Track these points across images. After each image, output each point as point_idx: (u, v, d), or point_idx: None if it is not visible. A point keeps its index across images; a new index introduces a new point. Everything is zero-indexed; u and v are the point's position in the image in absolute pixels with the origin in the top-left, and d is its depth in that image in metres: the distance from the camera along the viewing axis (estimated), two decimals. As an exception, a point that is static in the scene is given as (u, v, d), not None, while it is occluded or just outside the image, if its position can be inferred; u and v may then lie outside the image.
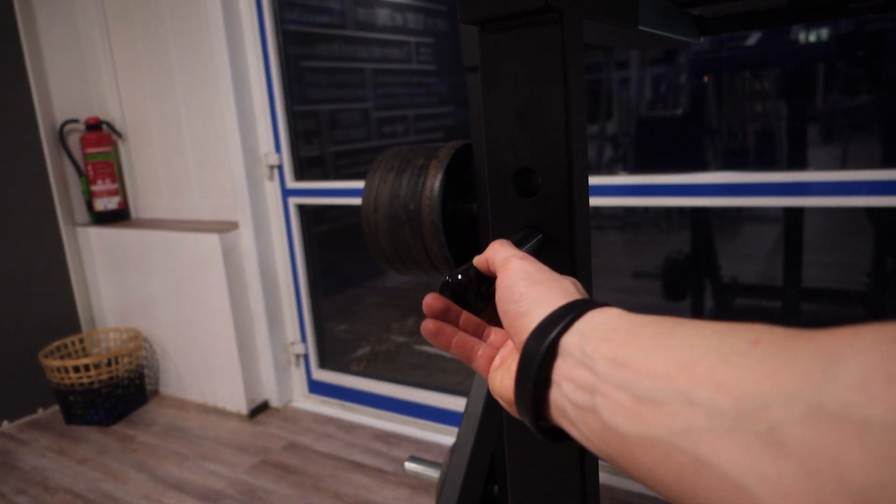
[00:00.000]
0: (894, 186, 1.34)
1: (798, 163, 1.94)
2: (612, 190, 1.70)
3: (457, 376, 2.46)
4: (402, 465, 1.96)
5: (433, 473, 1.18)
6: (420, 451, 2.06)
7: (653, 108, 2.41)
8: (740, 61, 2.07)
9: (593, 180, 1.73)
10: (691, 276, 2.40)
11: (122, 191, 2.71)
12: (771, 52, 1.98)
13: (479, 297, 0.38)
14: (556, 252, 0.44)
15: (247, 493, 1.88)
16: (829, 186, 1.44)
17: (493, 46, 0.42)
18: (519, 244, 0.42)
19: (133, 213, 2.76)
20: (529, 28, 0.40)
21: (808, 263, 2.20)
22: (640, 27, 0.53)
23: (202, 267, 2.33)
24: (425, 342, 2.81)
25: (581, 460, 0.47)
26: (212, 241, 2.27)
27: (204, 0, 2.19)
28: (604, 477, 1.81)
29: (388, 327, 2.96)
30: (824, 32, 1.83)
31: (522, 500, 0.50)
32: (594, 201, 1.75)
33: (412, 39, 3.60)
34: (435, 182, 0.92)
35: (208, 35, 2.25)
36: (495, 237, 0.44)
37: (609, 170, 2.65)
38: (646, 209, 2.79)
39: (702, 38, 0.74)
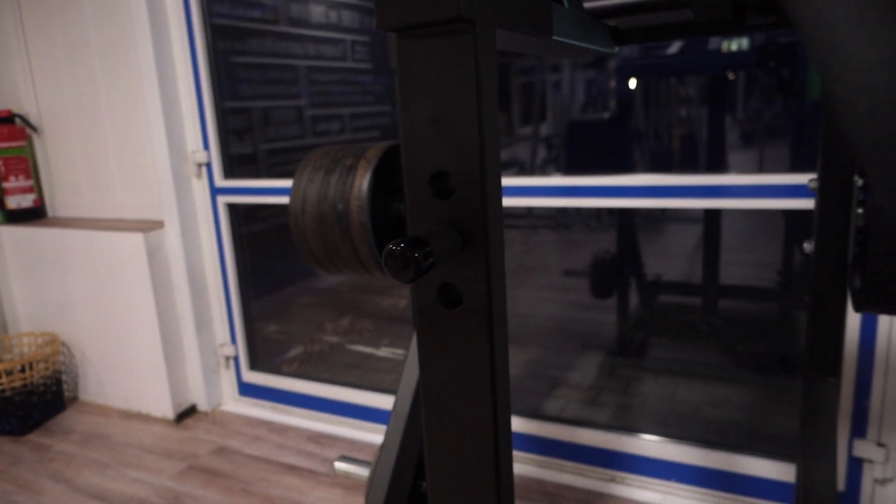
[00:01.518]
0: (801, 190, 1.44)
1: (717, 165, 2.05)
2: (543, 191, 1.75)
3: (391, 375, 2.47)
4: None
5: (363, 472, 1.18)
6: (353, 450, 2.05)
7: (584, 112, 2.49)
8: (668, 68, 2.17)
9: (526, 181, 1.77)
10: (617, 274, 2.49)
11: (37, 188, 2.57)
12: (695, 60, 2.09)
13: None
14: (472, 249, 0.46)
15: (173, 500, 1.82)
16: (744, 189, 1.53)
17: (409, 53, 0.43)
18: (437, 240, 0.43)
19: (50, 212, 2.62)
20: (443, 36, 0.42)
21: (726, 262, 2.33)
22: (553, 37, 0.55)
23: (125, 267, 2.24)
24: (359, 341, 2.80)
25: (496, 455, 0.49)
26: (135, 240, 2.18)
27: (126, -10, 2.11)
28: (533, 470, 1.86)
29: (322, 327, 2.93)
30: (745, 42, 1.93)
31: (441, 494, 0.52)
32: (527, 202, 1.79)
33: (348, 37, 3.57)
34: (363, 182, 0.93)
35: (131, 26, 2.16)
36: (413, 236, 0.45)
37: (542, 170, 2.72)
38: (577, 209, 2.88)
39: (617, 48, 0.77)
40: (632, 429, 1.82)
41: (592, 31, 0.65)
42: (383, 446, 1.00)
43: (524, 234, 3.58)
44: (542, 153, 2.78)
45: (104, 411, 2.43)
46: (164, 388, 2.29)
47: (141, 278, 2.21)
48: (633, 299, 2.52)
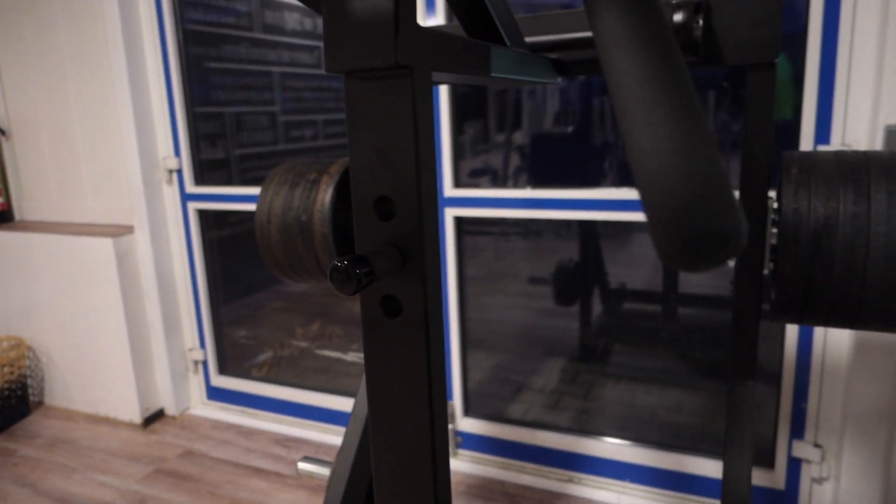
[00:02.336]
0: (741, 206, 1.52)
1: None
2: (514, 203, 1.82)
3: (359, 380, 2.51)
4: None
5: (325, 472, 1.23)
6: (320, 453, 2.09)
7: (557, 123, 2.57)
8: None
9: (497, 193, 1.84)
10: (581, 282, 2.57)
11: (5, 191, 2.56)
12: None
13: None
14: (411, 265, 0.52)
15: (139, 503, 1.84)
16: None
17: (355, 93, 0.49)
18: (379, 258, 0.49)
19: (18, 215, 2.61)
20: (384, 80, 0.48)
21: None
22: (492, 74, 0.62)
23: (94, 272, 2.25)
24: (328, 346, 2.84)
25: (433, 443, 0.55)
26: (105, 245, 2.20)
27: (99, -3, 2.13)
28: (494, 471, 1.92)
29: (292, 332, 2.96)
30: None
31: (383, 479, 0.58)
32: (498, 213, 1.86)
33: (322, 45, 3.60)
34: (326, 196, 0.98)
35: (103, 31, 2.18)
36: (360, 253, 0.50)
37: (515, 179, 2.79)
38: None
39: (560, 79, 0.84)
40: (590, 431, 1.90)
41: (532, 66, 0.71)
42: (342, 447, 1.05)
43: (496, 240, 3.64)
44: (516, 161, 2.85)
45: (70, 416, 2.42)
46: (131, 392, 2.31)
47: (110, 283, 2.23)
48: (597, 307, 2.60)
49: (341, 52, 0.47)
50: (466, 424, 1.99)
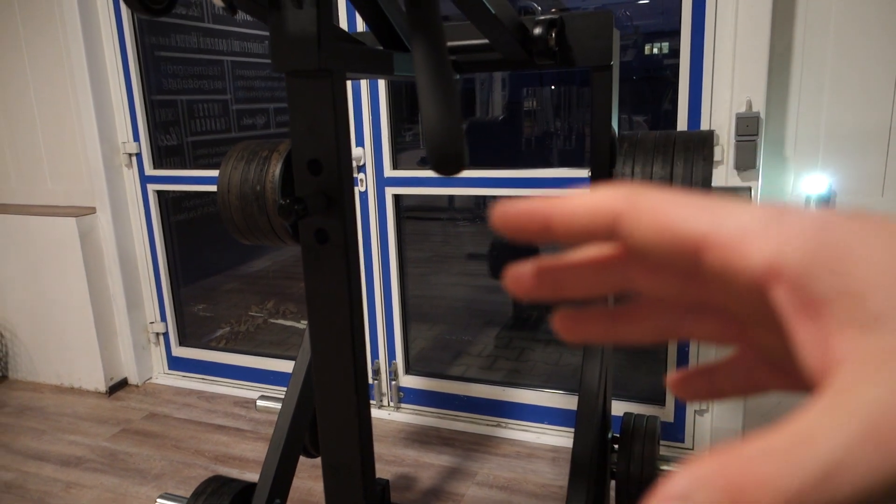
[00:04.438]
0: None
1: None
2: (446, 182, 2.03)
3: (311, 349, 2.72)
4: (260, 425, 2.20)
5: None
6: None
7: (505, 109, 2.89)
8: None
9: (431, 173, 2.07)
10: (515, 256, 2.84)
11: (-36, 175, 2.66)
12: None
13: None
14: (334, 207, 0.75)
15: (108, 456, 2.02)
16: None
17: (294, 87, 0.72)
18: (312, 200, 0.72)
19: (-23, 198, 2.71)
20: (312, 79, 0.70)
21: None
22: (395, 74, 0.85)
23: (58, 250, 2.39)
24: (282, 316, 3.04)
25: (352, 335, 0.78)
26: (68, 224, 2.34)
27: (58, -9, 2.26)
28: (431, 420, 2.17)
29: (248, 309, 3.14)
30: (630, 53, 2.33)
31: (320, 369, 0.81)
32: (432, 191, 2.09)
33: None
34: (276, 169, 1.20)
35: (61, 20, 2.31)
36: (297, 198, 0.73)
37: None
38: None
39: (458, 76, 1.08)
40: (515, 383, 2.16)
41: (431, 66, 0.94)
42: (291, 376, 1.28)
43: (443, 225, 3.89)
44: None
45: (36, 387, 2.56)
46: (96, 363, 2.46)
47: (73, 261, 2.38)
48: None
49: (282, 57, 0.69)
50: (408, 381, 2.23)
